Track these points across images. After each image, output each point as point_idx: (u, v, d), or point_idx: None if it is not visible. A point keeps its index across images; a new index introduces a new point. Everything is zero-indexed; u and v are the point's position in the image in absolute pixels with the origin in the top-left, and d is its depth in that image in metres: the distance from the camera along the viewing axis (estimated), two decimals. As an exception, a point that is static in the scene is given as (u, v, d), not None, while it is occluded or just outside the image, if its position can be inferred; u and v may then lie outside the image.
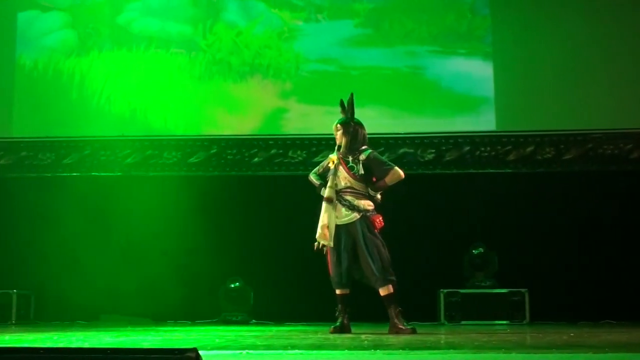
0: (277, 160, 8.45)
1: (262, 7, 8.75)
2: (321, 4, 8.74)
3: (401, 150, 8.42)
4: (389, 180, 5.94)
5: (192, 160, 8.54)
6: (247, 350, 3.75)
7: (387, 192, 8.14)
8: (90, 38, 8.82)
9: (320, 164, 6.23)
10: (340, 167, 5.95)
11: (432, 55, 8.55)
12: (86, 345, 4.41)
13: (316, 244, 5.91)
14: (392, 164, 6.03)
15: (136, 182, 8.47)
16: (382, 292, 5.94)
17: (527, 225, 8.10)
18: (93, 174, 8.60)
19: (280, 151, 8.46)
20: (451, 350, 3.89)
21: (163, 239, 8.01)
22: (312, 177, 6.15)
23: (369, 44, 8.59)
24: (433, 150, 8.43)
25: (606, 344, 4.22)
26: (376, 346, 4.14)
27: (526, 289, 7.72)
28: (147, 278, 7.96)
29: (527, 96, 8.47)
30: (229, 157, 8.53)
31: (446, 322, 7.68)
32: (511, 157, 8.36)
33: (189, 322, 7.92)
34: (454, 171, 8.40)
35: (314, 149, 8.47)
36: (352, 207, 5.88)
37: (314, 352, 3.83)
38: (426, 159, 8.42)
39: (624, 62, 8.38)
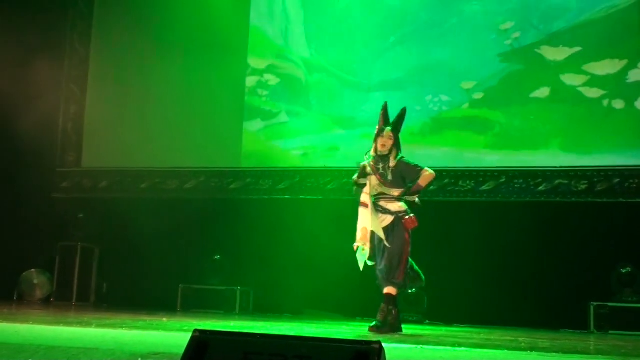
0: (449, 189, 8.33)
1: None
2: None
3: (556, 181, 8.06)
4: (423, 181, 5.37)
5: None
6: (421, 345, 3.76)
7: (548, 217, 7.89)
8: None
9: (358, 174, 5.52)
10: (372, 174, 5.40)
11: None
12: (292, 333, 4.52)
13: (355, 244, 5.34)
14: (421, 165, 5.44)
15: (334, 204, 8.44)
16: (385, 290, 5.31)
17: (673, 249, 7.51)
18: (301, 197, 8.78)
19: (452, 181, 8.35)
20: (599, 355, 3.72)
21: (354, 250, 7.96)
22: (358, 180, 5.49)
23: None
24: (586, 182, 7.99)
25: None
26: (532, 348, 4.00)
27: (671, 305, 7.16)
28: (340, 281, 7.84)
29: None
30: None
31: (595, 331, 7.26)
32: (657, 188, 7.81)
33: (372, 319, 7.85)
34: (605, 200, 7.90)
35: (481, 179, 8.30)
36: (385, 211, 5.33)
37: (477, 350, 3.76)
38: (579, 189, 8.00)
39: None
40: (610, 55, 7.66)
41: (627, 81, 7.63)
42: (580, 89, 7.80)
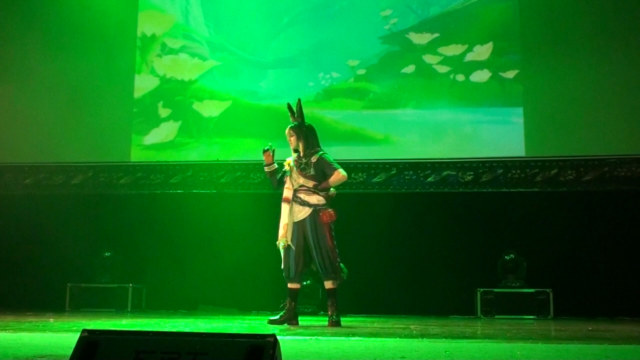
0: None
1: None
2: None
3: (445, 173, 8.35)
4: (332, 181, 5.45)
5: (273, 180, 8.47)
6: (315, 337, 3.79)
7: (437, 207, 8.16)
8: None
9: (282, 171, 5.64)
10: (294, 169, 5.51)
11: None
12: (186, 329, 4.56)
13: (279, 243, 5.43)
14: (339, 165, 5.53)
15: (228, 198, 8.51)
16: (326, 285, 5.48)
17: (552, 235, 7.93)
18: (194, 191, 8.69)
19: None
20: (486, 339, 3.86)
21: (249, 244, 7.95)
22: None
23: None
24: (472, 173, 8.32)
25: (620, 337, 4.15)
26: (423, 335, 4.11)
27: (550, 289, 7.56)
28: (235, 275, 7.99)
29: (551, 127, 8.33)
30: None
31: (482, 316, 7.58)
32: (538, 178, 8.20)
33: (269, 313, 7.87)
34: (490, 190, 8.27)
35: (372, 171, 8.46)
36: (304, 203, 5.42)
37: (371, 339, 3.82)
38: (466, 180, 8.32)
39: (636, 96, 8.17)
40: (456, 41, 8.85)
41: (465, 61, 8.77)
42: (434, 66, 8.86)
